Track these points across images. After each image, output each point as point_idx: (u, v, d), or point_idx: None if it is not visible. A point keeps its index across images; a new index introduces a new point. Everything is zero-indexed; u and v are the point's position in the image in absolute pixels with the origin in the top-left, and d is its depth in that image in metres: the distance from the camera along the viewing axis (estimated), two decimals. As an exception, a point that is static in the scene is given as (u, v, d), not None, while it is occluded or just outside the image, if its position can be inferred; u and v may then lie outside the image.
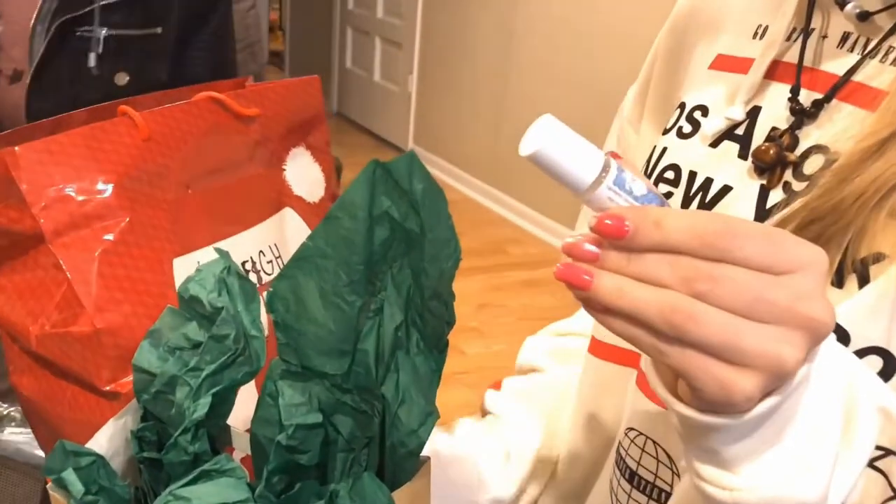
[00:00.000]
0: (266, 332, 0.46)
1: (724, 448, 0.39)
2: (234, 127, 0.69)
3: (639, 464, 0.59)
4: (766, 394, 0.37)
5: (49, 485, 0.43)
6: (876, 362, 0.47)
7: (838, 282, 0.48)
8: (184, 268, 0.63)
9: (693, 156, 0.59)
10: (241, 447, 0.49)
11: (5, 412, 0.90)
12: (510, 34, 3.88)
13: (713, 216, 0.37)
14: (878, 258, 0.47)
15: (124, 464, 0.48)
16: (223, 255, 0.46)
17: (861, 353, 0.47)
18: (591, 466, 0.67)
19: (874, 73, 0.52)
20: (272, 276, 0.70)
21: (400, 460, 0.44)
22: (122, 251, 0.59)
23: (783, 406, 0.38)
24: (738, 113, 0.57)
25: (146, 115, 0.63)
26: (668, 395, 0.40)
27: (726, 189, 0.56)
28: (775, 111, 0.56)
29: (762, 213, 0.53)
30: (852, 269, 0.48)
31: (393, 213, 0.40)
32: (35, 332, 0.59)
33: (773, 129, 0.55)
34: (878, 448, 0.44)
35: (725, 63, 0.61)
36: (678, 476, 0.57)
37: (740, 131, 0.57)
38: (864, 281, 0.48)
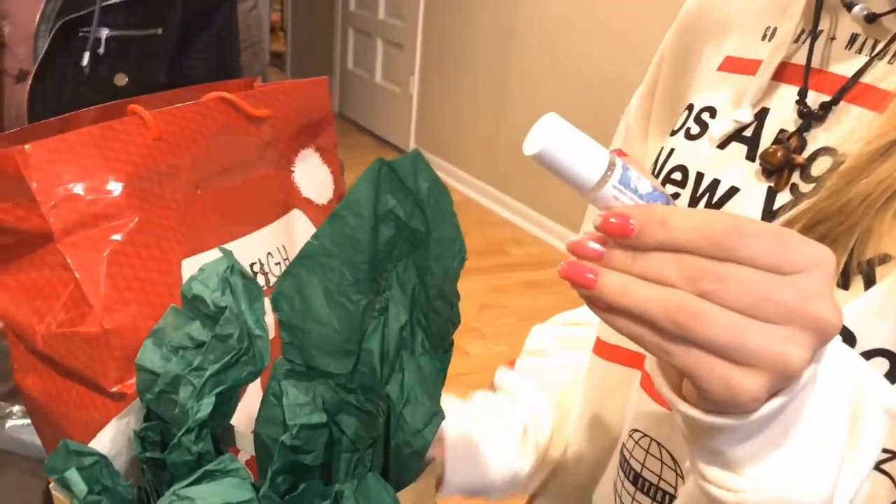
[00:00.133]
0: (272, 334, 0.45)
1: (729, 449, 0.39)
2: (244, 127, 0.69)
3: (643, 465, 0.59)
4: (772, 394, 0.37)
5: (52, 484, 0.43)
6: (882, 364, 0.47)
7: (844, 283, 0.48)
8: (193, 269, 0.62)
9: (701, 157, 0.59)
10: (246, 449, 0.49)
11: (6, 411, 0.89)
12: (511, 35, 3.88)
13: (719, 215, 0.36)
14: (885, 259, 0.47)
15: (127, 464, 0.47)
16: (227, 254, 0.46)
17: (867, 354, 0.47)
18: (594, 468, 0.67)
19: (882, 75, 0.51)
20: (280, 279, 0.70)
21: (405, 460, 0.44)
22: (130, 251, 0.59)
23: (789, 407, 0.38)
24: (746, 115, 0.57)
25: (156, 114, 0.62)
26: (673, 395, 0.39)
27: (733, 190, 0.56)
28: (783, 113, 0.56)
29: (769, 215, 0.53)
30: (858, 271, 0.48)
31: (398, 212, 0.40)
32: (41, 332, 0.59)
33: (781, 131, 0.55)
34: (885, 451, 0.44)
35: (734, 65, 0.61)
36: (682, 478, 0.57)
37: (748, 133, 0.57)
38: (870, 282, 0.47)
